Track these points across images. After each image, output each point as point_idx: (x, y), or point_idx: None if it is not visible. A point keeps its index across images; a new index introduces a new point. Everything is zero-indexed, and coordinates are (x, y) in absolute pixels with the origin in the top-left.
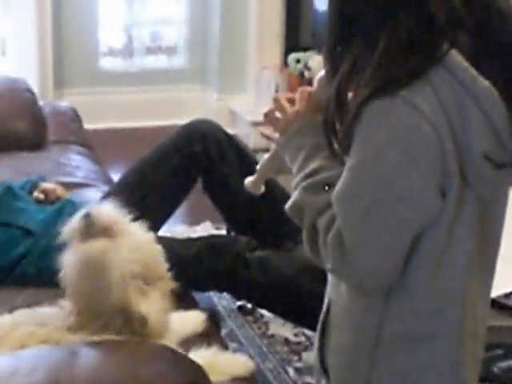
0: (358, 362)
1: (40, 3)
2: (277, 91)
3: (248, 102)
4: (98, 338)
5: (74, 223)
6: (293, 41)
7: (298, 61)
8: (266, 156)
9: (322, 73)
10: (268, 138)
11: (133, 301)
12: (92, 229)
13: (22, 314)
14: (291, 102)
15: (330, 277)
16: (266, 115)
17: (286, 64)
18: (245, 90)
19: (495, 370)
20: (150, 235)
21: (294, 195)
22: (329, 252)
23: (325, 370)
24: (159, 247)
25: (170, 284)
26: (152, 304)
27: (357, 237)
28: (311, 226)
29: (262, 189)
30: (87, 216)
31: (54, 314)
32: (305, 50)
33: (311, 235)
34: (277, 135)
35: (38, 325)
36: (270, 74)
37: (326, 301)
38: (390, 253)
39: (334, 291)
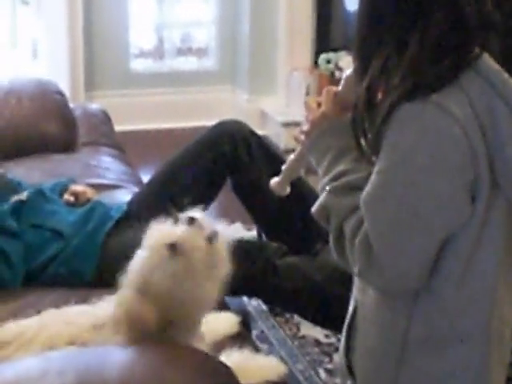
0: (385, 365)
1: (71, 5)
2: (307, 92)
3: (278, 103)
4: (122, 337)
5: (175, 229)
6: (323, 41)
7: (328, 61)
8: (292, 157)
9: (349, 72)
10: (298, 140)
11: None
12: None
13: (49, 315)
14: (320, 105)
15: (356, 280)
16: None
17: (316, 64)
18: (275, 91)
19: None
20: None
21: (321, 198)
22: (356, 256)
23: (351, 372)
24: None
25: None
26: None
27: (385, 241)
28: (338, 229)
29: (288, 190)
30: (193, 221)
31: (82, 312)
32: (335, 50)
33: (338, 238)
34: (303, 137)
35: (66, 324)
36: (300, 74)
37: (352, 303)
38: (418, 257)
39: (360, 294)
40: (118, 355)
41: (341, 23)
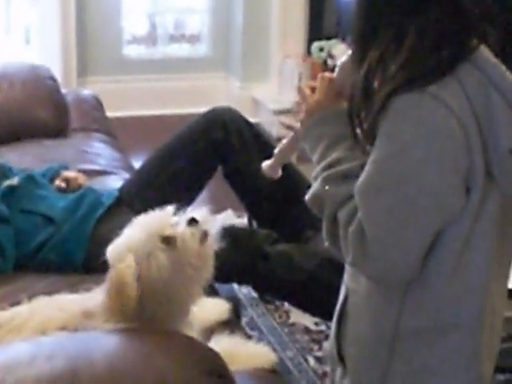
0: (376, 353)
1: None
2: (300, 80)
3: (271, 90)
4: (113, 324)
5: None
6: (316, 29)
7: (321, 49)
8: (284, 140)
9: (344, 59)
10: (288, 127)
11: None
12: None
13: (40, 301)
14: (314, 90)
15: (347, 268)
16: (295, 110)
17: (309, 52)
18: (268, 79)
19: None
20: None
21: (314, 185)
22: (349, 245)
23: (341, 358)
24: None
25: None
26: None
27: (379, 231)
28: (332, 217)
29: (279, 173)
30: (193, 222)
31: (73, 299)
32: (328, 38)
33: (331, 227)
34: (298, 124)
35: (57, 310)
36: (293, 62)
37: (343, 291)
38: (411, 247)
39: (352, 282)
40: (106, 341)
41: (334, 11)
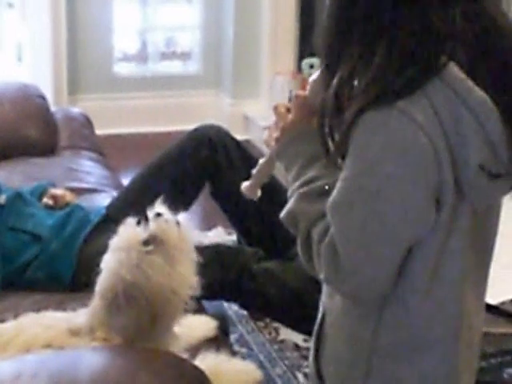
0: (353, 372)
1: (55, 9)
2: (290, 97)
3: (261, 107)
4: (99, 342)
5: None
6: (306, 46)
7: (311, 66)
8: (262, 161)
9: (314, 76)
10: (268, 145)
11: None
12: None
13: (26, 319)
14: (289, 111)
15: (324, 286)
16: (269, 128)
17: (299, 69)
18: (258, 96)
19: (505, 375)
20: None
21: (289, 203)
22: (322, 262)
23: (320, 377)
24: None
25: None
26: None
27: (351, 247)
28: (305, 235)
29: (259, 193)
30: (160, 215)
31: (59, 317)
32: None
33: (305, 245)
34: (273, 143)
35: (43, 327)
36: (283, 79)
37: (320, 309)
38: (383, 264)
39: (328, 300)
40: (91, 358)
41: (319, 28)
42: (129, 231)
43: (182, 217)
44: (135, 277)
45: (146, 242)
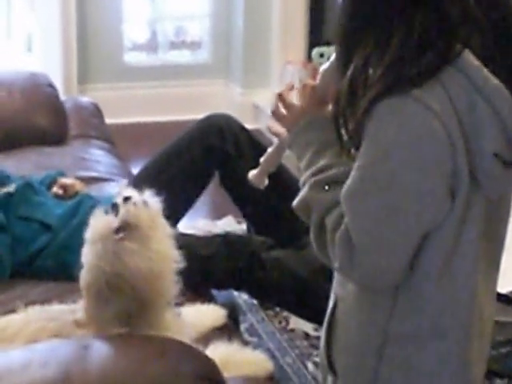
0: (366, 360)
1: None
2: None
3: (272, 96)
4: (105, 331)
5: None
6: (317, 35)
7: (321, 55)
8: (270, 150)
9: (326, 66)
10: (275, 134)
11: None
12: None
13: (34, 311)
14: (292, 89)
15: (336, 274)
16: (273, 113)
17: (309, 58)
18: (268, 85)
19: None
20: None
21: (302, 192)
22: (336, 251)
23: (331, 366)
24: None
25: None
26: None
27: (365, 236)
28: (319, 223)
29: (266, 182)
30: (128, 199)
31: (64, 310)
32: (329, 44)
33: (319, 233)
34: (284, 132)
35: (49, 320)
36: (293, 68)
37: (332, 298)
38: (398, 252)
39: (340, 289)
40: (100, 347)
41: (334, 17)
42: (100, 222)
43: (148, 194)
44: (115, 266)
45: (118, 230)
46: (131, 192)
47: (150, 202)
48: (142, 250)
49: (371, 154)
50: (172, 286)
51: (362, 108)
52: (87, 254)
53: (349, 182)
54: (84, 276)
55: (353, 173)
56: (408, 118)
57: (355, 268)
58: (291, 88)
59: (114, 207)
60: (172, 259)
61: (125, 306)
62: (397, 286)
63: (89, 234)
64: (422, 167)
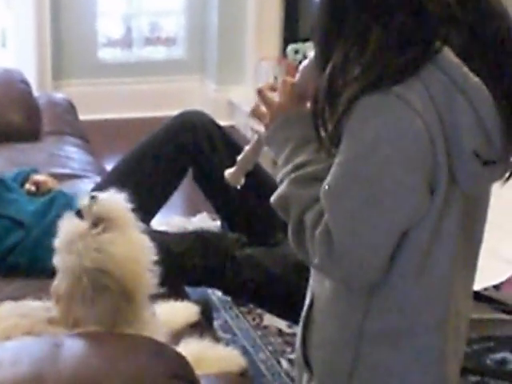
0: (341, 357)
1: None
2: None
3: (246, 93)
4: (78, 329)
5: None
6: (292, 32)
7: (296, 51)
8: (247, 148)
9: (306, 63)
10: (257, 132)
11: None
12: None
13: (6, 308)
14: (274, 89)
15: (313, 272)
16: (254, 111)
17: (284, 55)
18: (243, 81)
19: (488, 361)
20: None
21: (281, 188)
22: (316, 247)
23: (307, 364)
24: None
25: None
26: None
27: (345, 232)
28: (298, 220)
29: (242, 181)
30: (94, 197)
31: (37, 306)
32: (304, 40)
33: (297, 230)
34: (262, 128)
35: (21, 316)
36: (268, 64)
37: (308, 295)
38: (377, 248)
39: (317, 286)
40: (72, 345)
41: (309, 14)
42: (71, 225)
43: (113, 191)
44: (98, 261)
45: (93, 225)
46: (95, 193)
47: (116, 197)
48: (122, 237)
49: (352, 150)
50: (151, 275)
51: (341, 105)
52: (63, 260)
53: (329, 178)
54: (62, 283)
55: (333, 169)
56: (389, 114)
57: (335, 265)
58: (272, 89)
59: (78, 213)
60: (148, 248)
61: (112, 303)
62: (373, 284)
63: (61, 239)
64: (403, 163)
